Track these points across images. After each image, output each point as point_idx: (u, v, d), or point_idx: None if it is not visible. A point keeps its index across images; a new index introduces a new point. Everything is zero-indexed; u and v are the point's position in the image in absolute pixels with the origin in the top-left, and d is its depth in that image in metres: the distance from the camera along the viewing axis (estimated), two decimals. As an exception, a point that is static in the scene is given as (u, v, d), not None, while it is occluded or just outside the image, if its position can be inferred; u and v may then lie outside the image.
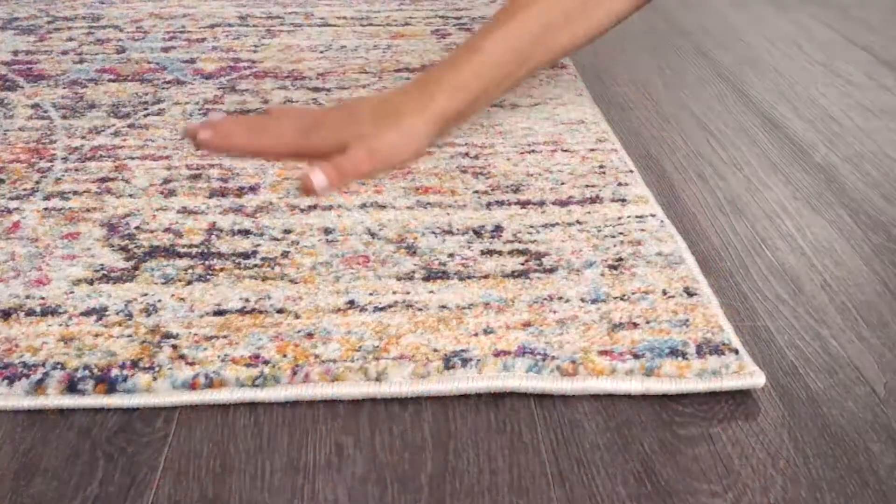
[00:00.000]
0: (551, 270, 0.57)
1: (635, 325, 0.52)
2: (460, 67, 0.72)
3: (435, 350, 0.49)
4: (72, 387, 0.47)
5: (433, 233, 0.62)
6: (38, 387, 0.47)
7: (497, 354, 0.49)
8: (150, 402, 0.47)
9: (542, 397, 0.48)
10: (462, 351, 0.49)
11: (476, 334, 0.51)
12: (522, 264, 0.58)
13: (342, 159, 0.68)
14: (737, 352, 0.50)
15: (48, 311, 0.53)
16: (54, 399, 0.47)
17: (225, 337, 0.51)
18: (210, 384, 0.47)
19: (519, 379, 0.48)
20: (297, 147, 0.71)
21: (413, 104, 0.71)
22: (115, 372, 0.48)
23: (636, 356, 0.49)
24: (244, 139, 0.72)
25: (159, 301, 0.54)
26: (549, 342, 0.50)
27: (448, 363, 0.48)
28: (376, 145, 0.69)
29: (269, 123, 0.74)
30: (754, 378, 0.48)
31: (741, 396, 0.48)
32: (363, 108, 0.72)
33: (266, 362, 0.49)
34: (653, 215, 0.64)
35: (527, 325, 0.52)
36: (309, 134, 0.71)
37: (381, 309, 0.53)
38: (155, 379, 0.47)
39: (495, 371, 0.48)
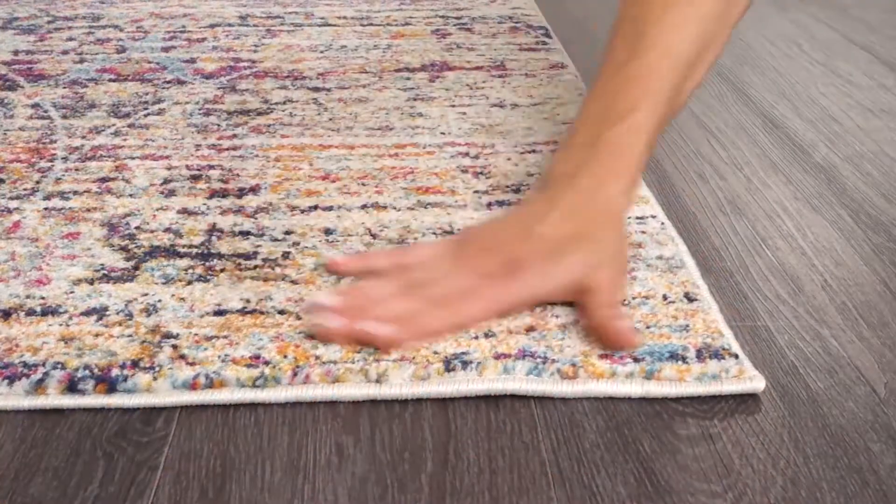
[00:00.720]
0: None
1: (636, 329, 0.52)
2: (631, 147, 0.55)
3: (435, 353, 0.49)
4: (72, 387, 0.47)
5: (434, 233, 0.62)
6: (39, 387, 0.47)
7: (497, 357, 0.49)
8: (150, 402, 0.47)
9: (542, 398, 0.48)
10: (462, 353, 0.49)
11: (477, 337, 0.51)
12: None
13: (605, 298, 0.51)
14: (737, 356, 0.50)
15: (48, 311, 0.53)
16: (54, 399, 0.47)
17: (225, 337, 0.51)
18: (210, 384, 0.47)
19: (519, 381, 0.48)
20: (502, 306, 0.52)
21: (607, 204, 0.54)
22: (115, 372, 0.48)
23: (636, 360, 0.49)
24: (436, 318, 0.50)
25: (160, 301, 0.54)
26: (550, 346, 0.50)
27: (448, 365, 0.48)
28: (614, 262, 0.54)
29: (431, 277, 0.52)
30: (754, 382, 0.48)
31: (741, 396, 0.48)
32: (562, 228, 0.53)
33: (266, 363, 0.49)
34: (653, 216, 0.64)
35: (530, 329, 0.52)
36: (511, 282, 0.51)
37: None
38: (155, 379, 0.47)
39: (496, 374, 0.48)
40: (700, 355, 0.50)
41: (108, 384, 0.47)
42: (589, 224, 0.53)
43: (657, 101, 0.55)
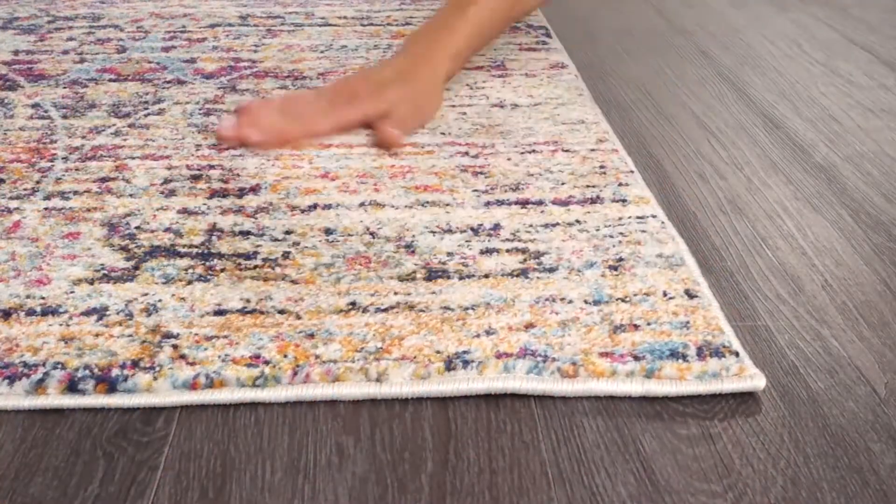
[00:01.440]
0: (551, 270, 0.57)
1: (636, 326, 0.52)
2: (456, 30, 0.81)
3: (438, 352, 0.49)
4: (72, 386, 0.47)
5: (432, 232, 0.62)
6: (39, 386, 0.47)
7: (499, 356, 0.49)
8: (150, 402, 0.47)
9: (542, 397, 0.48)
10: (464, 352, 0.49)
11: (478, 335, 0.51)
12: (522, 262, 0.58)
13: (395, 122, 0.74)
14: (737, 354, 0.50)
15: (49, 311, 0.53)
16: (55, 399, 0.47)
17: (225, 337, 0.51)
18: (210, 384, 0.47)
19: (520, 380, 0.48)
20: (343, 121, 0.76)
21: (428, 68, 0.79)
22: (115, 372, 0.48)
23: (636, 358, 0.49)
24: (292, 127, 0.74)
25: (160, 301, 0.54)
26: (551, 343, 0.50)
27: (449, 364, 0.48)
28: (416, 104, 0.77)
29: (300, 106, 0.76)
30: (755, 381, 0.48)
31: (742, 396, 0.48)
32: (388, 76, 0.77)
33: (267, 362, 0.49)
34: (654, 216, 0.64)
35: (529, 326, 0.52)
36: (350, 107, 0.75)
37: (384, 310, 0.53)
38: (155, 379, 0.47)
39: (496, 372, 0.48)
40: (700, 353, 0.50)
41: (109, 384, 0.47)
42: (410, 74, 0.78)
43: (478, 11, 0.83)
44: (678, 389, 0.48)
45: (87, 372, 0.48)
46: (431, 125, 0.79)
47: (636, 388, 0.48)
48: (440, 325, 0.52)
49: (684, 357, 0.49)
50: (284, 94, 0.84)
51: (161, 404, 0.47)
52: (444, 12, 0.83)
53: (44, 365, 0.48)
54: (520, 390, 0.48)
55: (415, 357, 0.49)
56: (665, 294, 0.55)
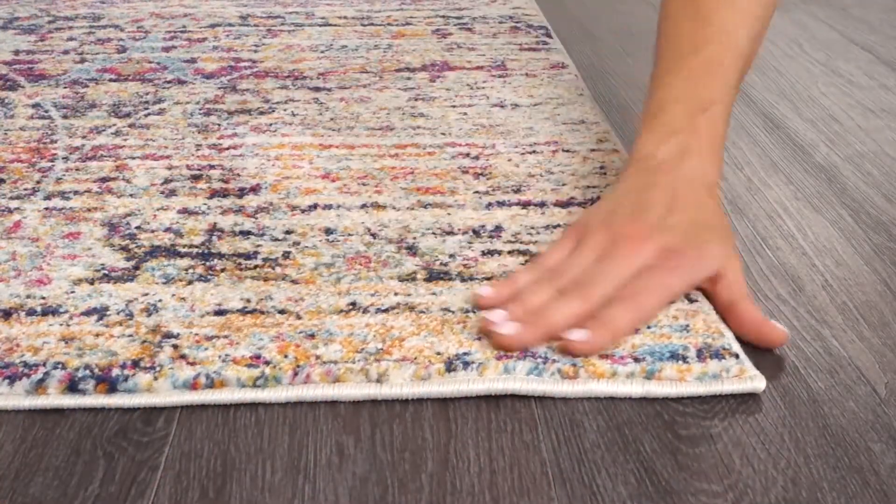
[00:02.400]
0: (552, 270, 0.57)
1: (636, 329, 0.52)
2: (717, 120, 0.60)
3: (438, 353, 0.49)
4: (72, 386, 0.47)
5: (433, 233, 0.62)
6: (39, 386, 0.47)
7: (499, 358, 0.49)
8: (150, 402, 0.47)
9: (543, 397, 0.48)
10: (464, 354, 0.49)
11: (479, 338, 0.51)
12: (523, 264, 0.58)
13: (738, 284, 0.54)
14: (737, 356, 0.50)
15: (49, 311, 0.53)
16: (55, 399, 0.47)
17: (226, 337, 0.51)
18: (211, 384, 0.47)
19: (520, 381, 0.48)
20: (672, 295, 0.53)
21: (706, 183, 0.58)
22: (115, 372, 0.48)
23: (637, 360, 0.49)
24: (622, 314, 0.51)
25: (160, 301, 0.54)
26: (551, 345, 0.50)
27: (450, 366, 0.48)
28: (738, 260, 0.56)
29: (594, 276, 0.52)
30: (755, 382, 0.48)
31: (742, 396, 0.48)
32: (692, 217, 0.55)
33: (267, 363, 0.49)
34: (654, 215, 0.64)
35: None
36: (672, 271, 0.53)
37: (384, 311, 0.53)
38: (156, 379, 0.47)
39: (496, 374, 0.48)
40: (700, 355, 0.50)
41: (109, 384, 0.47)
42: (709, 213, 0.56)
43: (731, 92, 0.61)
44: (678, 391, 0.48)
45: (87, 372, 0.48)
46: (432, 125, 0.79)
47: (636, 389, 0.48)
48: (440, 328, 0.52)
49: (684, 359, 0.49)
50: (532, 269, 0.56)
51: (161, 404, 0.47)
52: (684, 67, 0.61)
53: (44, 365, 0.48)
54: (520, 391, 0.48)
55: (415, 358, 0.49)
56: None
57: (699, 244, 0.54)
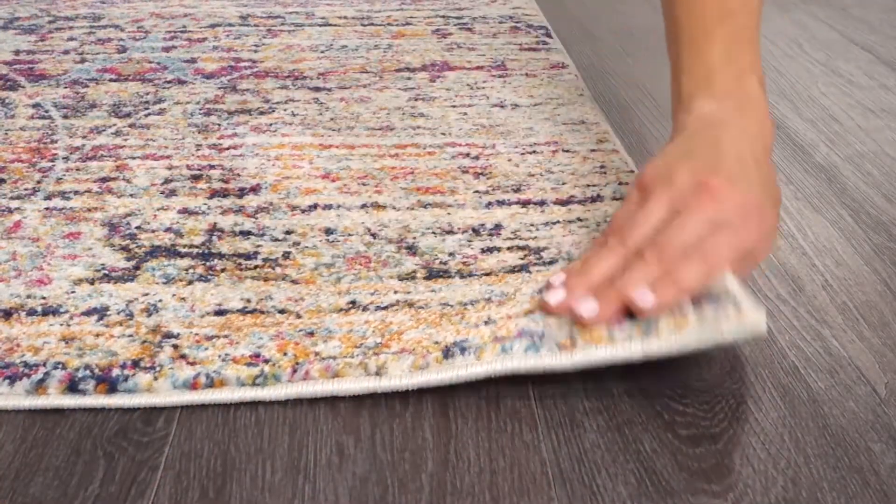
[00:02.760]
0: (551, 262, 0.57)
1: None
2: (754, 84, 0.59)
3: (436, 343, 0.49)
4: (73, 387, 0.47)
5: (433, 233, 0.62)
6: (39, 387, 0.47)
7: (496, 340, 0.49)
8: (150, 402, 0.47)
9: (543, 397, 0.48)
10: (462, 341, 0.49)
11: (477, 325, 0.51)
12: (522, 259, 0.58)
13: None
14: (733, 298, 0.47)
15: (49, 311, 0.53)
16: (55, 399, 0.47)
17: (226, 336, 0.51)
18: (211, 384, 0.47)
19: (517, 360, 0.47)
20: (740, 253, 0.51)
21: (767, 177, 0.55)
22: (115, 372, 0.48)
23: (632, 317, 0.48)
24: (689, 269, 0.49)
25: (160, 301, 0.54)
26: (549, 323, 0.49)
27: (447, 353, 0.48)
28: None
29: (670, 234, 0.50)
30: (755, 315, 0.45)
31: (742, 396, 0.48)
32: (766, 188, 0.54)
33: (266, 361, 0.49)
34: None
35: (529, 312, 0.52)
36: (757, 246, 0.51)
37: (383, 308, 0.53)
38: (156, 379, 0.47)
39: (493, 355, 0.48)
40: (696, 303, 0.48)
41: (109, 384, 0.47)
42: (772, 174, 0.55)
43: (759, 57, 0.61)
44: (680, 343, 0.46)
45: (87, 372, 0.48)
46: (432, 125, 0.79)
47: (636, 348, 0.46)
48: (439, 320, 0.52)
49: (680, 310, 0.48)
50: (603, 244, 0.53)
51: (162, 404, 0.47)
52: (717, 34, 0.61)
53: (44, 365, 0.48)
54: (519, 370, 0.47)
55: (413, 349, 0.49)
56: None
57: (775, 203, 0.53)
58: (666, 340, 0.47)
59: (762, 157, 0.55)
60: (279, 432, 0.46)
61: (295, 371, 0.48)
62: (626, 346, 0.47)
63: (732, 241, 0.50)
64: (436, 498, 0.42)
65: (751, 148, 0.55)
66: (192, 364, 0.49)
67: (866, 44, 1.05)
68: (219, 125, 0.78)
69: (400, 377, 0.48)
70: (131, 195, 0.67)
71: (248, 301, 0.54)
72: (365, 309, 0.53)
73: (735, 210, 0.50)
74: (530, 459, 0.44)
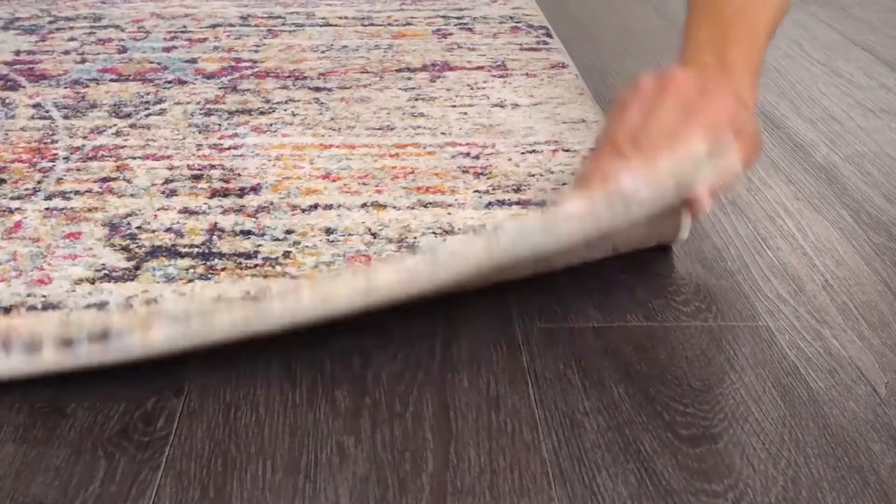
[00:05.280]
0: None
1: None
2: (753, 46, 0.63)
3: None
4: (68, 344, 0.47)
5: (434, 233, 0.62)
6: (35, 349, 0.47)
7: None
8: (147, 351, 0.46)
9: (543, 397, 0.48)
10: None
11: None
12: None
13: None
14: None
15: (49, 308, 0.53)
16: (50, 355, 0.46)
17: (226, 336, 0.51)
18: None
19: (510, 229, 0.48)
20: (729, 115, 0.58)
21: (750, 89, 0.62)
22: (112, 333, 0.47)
23: None
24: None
25: (161, 300, 0.54)
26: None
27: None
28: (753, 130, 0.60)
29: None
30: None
31: (742, 396, 0.48)
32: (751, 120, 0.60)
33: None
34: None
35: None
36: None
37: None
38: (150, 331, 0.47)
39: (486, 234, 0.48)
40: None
41: (104, 339, 0.47)
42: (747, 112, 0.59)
43: (759, 35, 0.64)
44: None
45: (83, 335, 0.47)
46: (432, 125, 0.79)
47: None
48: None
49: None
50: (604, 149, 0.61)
51: (158, 351, 0.46)
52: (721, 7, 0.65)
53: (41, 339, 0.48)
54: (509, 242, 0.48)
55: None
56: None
57: (741, 102, 0.57)
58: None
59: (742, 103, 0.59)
60: (280, 432, 0.46)
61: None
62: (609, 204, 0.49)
63: (700, 118, 0.55)
64: (436, 498, 0.42)
65: (731, 93, 0.59)
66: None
67: (866, 44, 1.05)
68: (219, 125, 0.78)
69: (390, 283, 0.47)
70: (132, 195, 0.67)
71: (249, 301, 0.54)
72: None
73: (695, 90, 0.57)
74: (530, 459, 0.44)
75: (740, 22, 0.64)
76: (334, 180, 0.69)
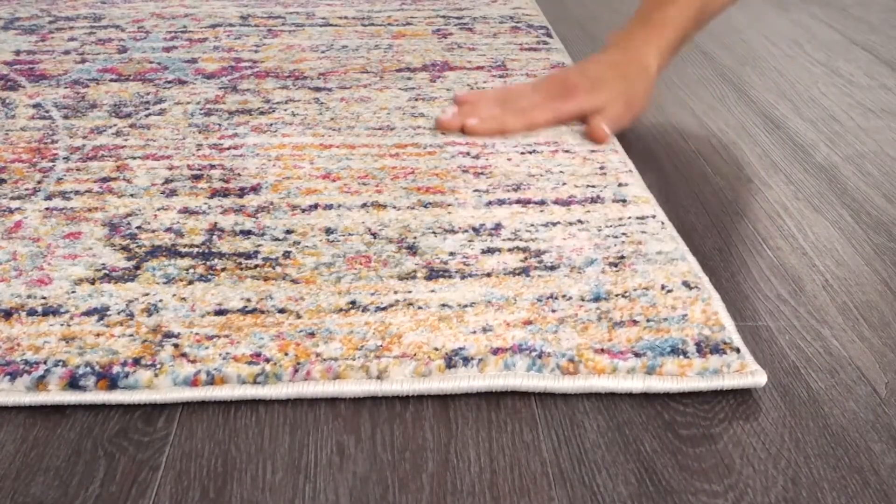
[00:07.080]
0: (553, 268, 0.57)
1: (635, 322, 0.52)
2: (666, 24, 0.79)
3: (436, 349, 0.50)
4: (73, 383, 0.47)
5: (434, 232, 0.62)
6: (40, 383, 0.47)
7: (495, 353, 0.49)
8: (151, 398, 0.47)
9: (543, 397, 0.48)
10: (461, 349, 0.49)
11: (474, 332, 0.51)
12: (523, 261, 0.58)
13: (608, 117, 0.76)
14: (738, 350, 0.50)
15: (50, 311, 0.53)
16: (56, 395, 0.47)
17: (226, 336, 0.51)
18: (212, 381, 0.48)
19: (520, 378, 0.48)
20: (559, 115, 0.78)
21: (641, 64, 0.78)
22: (116, 369, 0.48)
23: (637, 355, 0.49)
24: (511, 118, 0.77)
25: (161, 301, 0.54)
26: (546, 339, 0.50)
27: (449, 362, 0.48)
28: (629, 100, 0.78)
29: (519, 98, 0.79)
30: (755, 377, 0.48)
31: (742, 396, 0.48)
32: (604, 72, 0.78)
33: (268, 360, 0.49)
34: (653, 216, 0.64)
35: (527, 322, 0.52)
36: (566, 101, 0.77)
37: (383, 308, 0.53)
38: (156, 376, 0.47)
39: (496, 370, 0.48)
40: (700, 349, 0.50)
41: (110, 381, 0.47)
42: (625, 70, 0.78)
43: (678, 19, 0.80)
44: (679, 386, 0.48)
45: (88, 369, 0.48)
46: (432, 125, 0.79)
47: (637, 384, 0.48)
48: (437, 323, 0.52)
49: (684, 353, 0.49)
50: (501, 86, 0.87)
51: (163, 401, 0.47)
52: (648, 5, 0.82)
53: (45, 363, 0.48)
54: (521, 388, 0.48)
55: (415, 354, 0.49)
56: (663, 287, 0.55)
57: (597, 85, 0.77)
58: (668, 381, 0.48)
59: (626, 66, 0.78)
60: (280, 432, 0.46)
61: (296, 371, 0.48)
62: (629, 381, 0.48)
63: (553, 110, 0.77)
64: (436, 498, 0.42)
65: (614, 59, 0.79)
66: (193, 362, 0.49)
67: (866, 44, 1.05)
68: (219, 125, 0.78)
69: (402, 382, 0.48)
70: (132, 195, 0.67)
71: (249, 301, 0.54)
72: (365, 310, 0.53)
73: (560, 86, 0.78)
74: (530, 459, 0.44)
75: (658, 9, 0.80)
76: (334, 180, 0.69)
